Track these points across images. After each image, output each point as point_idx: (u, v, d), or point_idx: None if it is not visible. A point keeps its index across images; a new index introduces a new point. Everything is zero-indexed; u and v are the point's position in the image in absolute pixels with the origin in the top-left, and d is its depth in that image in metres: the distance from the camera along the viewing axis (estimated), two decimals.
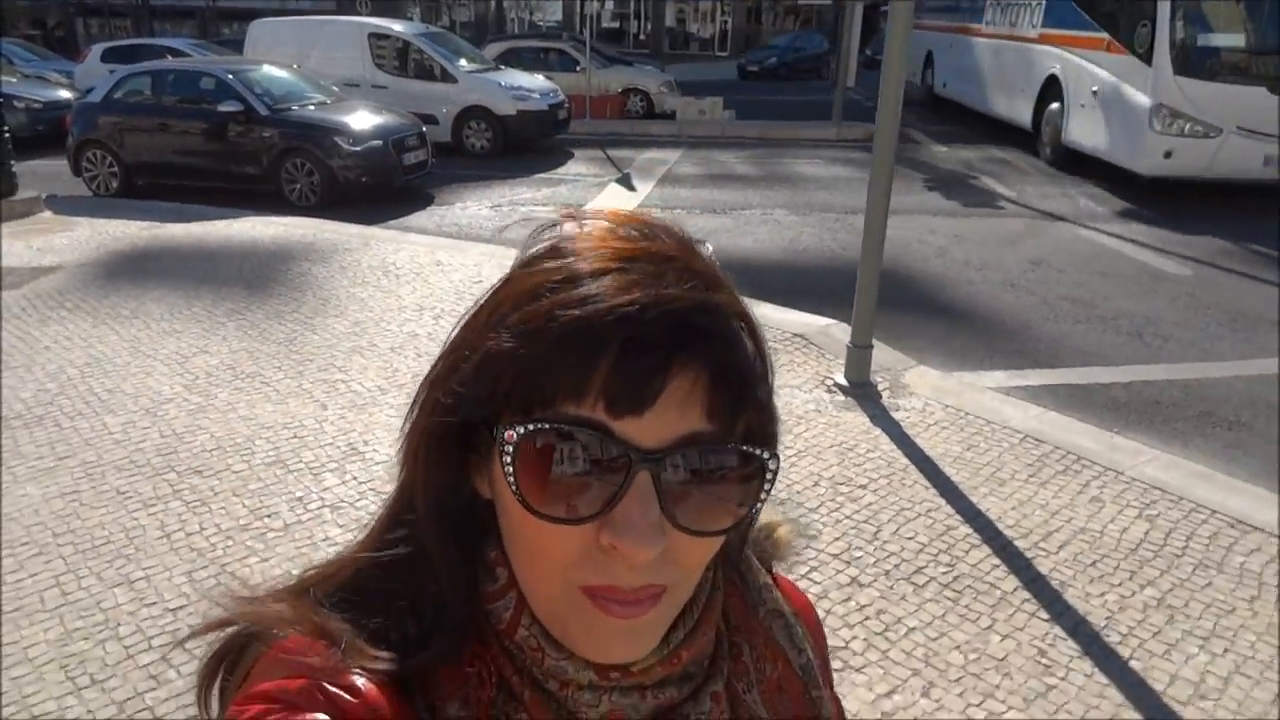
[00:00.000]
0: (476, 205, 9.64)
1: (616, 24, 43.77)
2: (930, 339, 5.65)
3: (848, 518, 3.50)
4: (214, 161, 9.78)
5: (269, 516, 3.45)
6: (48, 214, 8.60)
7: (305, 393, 4.54)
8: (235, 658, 0.56)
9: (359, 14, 19.38)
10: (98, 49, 16.93)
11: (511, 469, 0.48)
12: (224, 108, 9.53)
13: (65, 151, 10.21)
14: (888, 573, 3.16)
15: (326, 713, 0.49)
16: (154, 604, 2.95)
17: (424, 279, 6.39)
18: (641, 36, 41.89)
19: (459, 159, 12.15)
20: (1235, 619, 2.94)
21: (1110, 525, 3.46)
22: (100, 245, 7.33)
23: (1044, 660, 2.73)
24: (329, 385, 4.63)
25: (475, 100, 12.62)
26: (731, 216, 9.12)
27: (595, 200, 9.84)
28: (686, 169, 11.88)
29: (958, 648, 2.79)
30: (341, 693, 0.50)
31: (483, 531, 0.57)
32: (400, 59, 12.96)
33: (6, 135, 8.70)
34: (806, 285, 6.62)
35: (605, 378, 0.47)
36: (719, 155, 12.94)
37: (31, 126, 13.05)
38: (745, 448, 0.50)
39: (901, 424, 4.27)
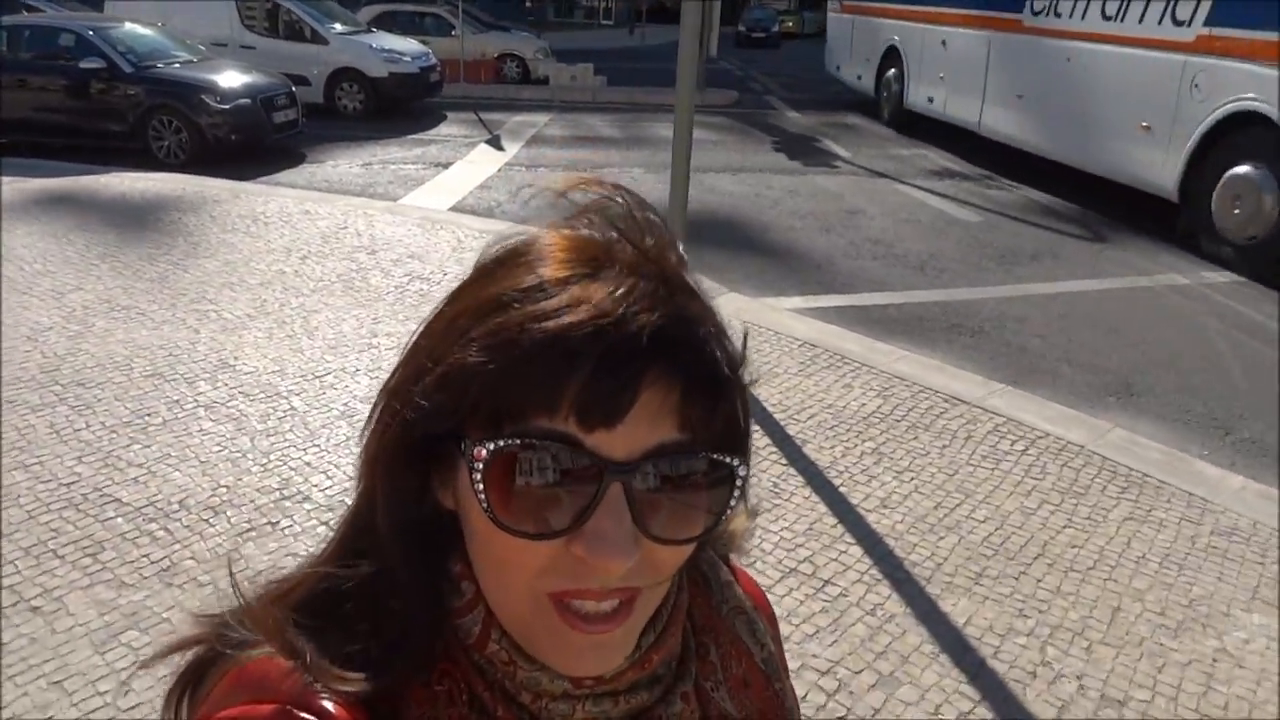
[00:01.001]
0: (348, 164, 10.02)
1: None
2: (748, 273, 6.51)
3: None
4: (77, 119, 9.81)
5: (149, 415, 3.98)
6: None
7: (179, 320, 5.02)
8: (198, 680, 0.55)
9: None
10: None
11: (482, 484, 0.47)
12: (86, 64, 9.58)
13: None
14: None
15: None
16: (49, 481, 3.47)
17: (291, 225, 6.86)
18: (528, 3, 41.86)
19: (332, 120, 12.40)
20: (927, 460, 3.87)
21: (852, 402, 4.37)
22: None
23: (776, 489, 3.58)
24: (201, 314, 5.12)
25: (346, 62, 12.87)
26: (593, 172, 9.79)
27: (465, 158, 10.37)
28: (555, 131, 12.49)
29: None
30: (310, 717, 0.49)
31: (446, 544, 0.55)
32: (269, 20, 13.06)
33: None
34: None
35: (578, 391, 0.46)
36: (587, 119, 13.59)
37: None
38: (716, 456, 0.50)
39: None
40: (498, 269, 0.51)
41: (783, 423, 4.13)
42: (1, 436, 3.74)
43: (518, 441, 0.47)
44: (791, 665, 2.67)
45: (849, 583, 3.05)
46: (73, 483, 3.46)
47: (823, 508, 3.47)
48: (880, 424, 4.17)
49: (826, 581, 3.04)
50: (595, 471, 0.47)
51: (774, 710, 0.65)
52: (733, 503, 0.51)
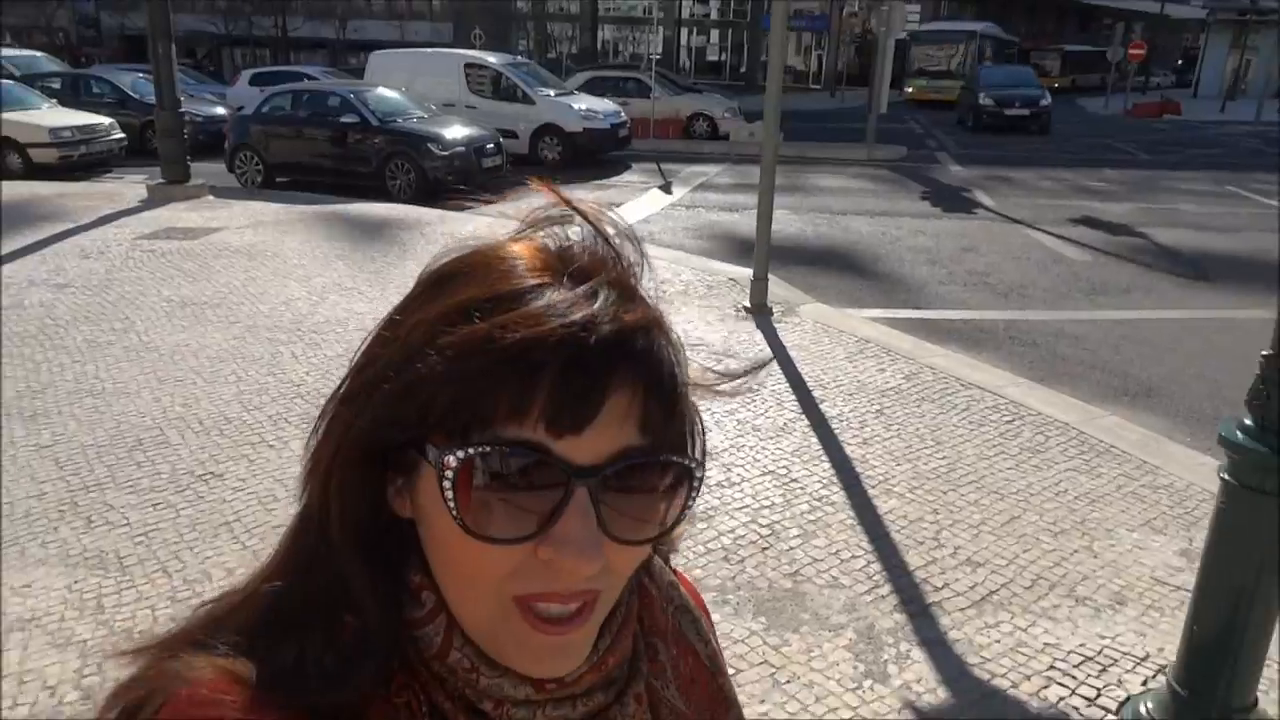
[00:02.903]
0: (536, 200, 11.82)
1: (717, 57, 46.32)
2: (841, 290, 7.52)
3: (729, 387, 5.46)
4: (336, 162, 12.36)
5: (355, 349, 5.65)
6: (210, 197, 11.25)
7: (384, 298, 6.76)
8: (134, 716, 0.50)
9: (473, 46, 22.35)
10: (247, 74, 20.20)
11: (452, 493, 0.47)
12: (345, 119, 12.13)
13: (224, 155, 13.03)
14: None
15: None
16: (287, 384, 5.15)
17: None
18: (743, 70, 44.20)
19: (534, 168, 14.49)
20: (920, 421, 4.78)
21: (879, 380, 5.33)
22: (250, 217, 9.86)
23: (785, 429, 4.64)
24: (397, 294, 6.84)
25: (549, 119, 15.01)
26: (741, 213, 11.09)
27: (636, 199, 11.97)
28: (722, 179, 13.92)
29: (739, 422, 4.73)
30: None
31: (402, 554, 0.54)
32: (489, 84, 15.47)
33: (186, 138, 11.45)
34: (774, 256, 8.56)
35: (546, 399, 0.47)
36: (755, 170, 14.90)
37: (194, 137, 16.09)
38: (675, 458, 0.51)
39: (777, 330, 6.20)
40: (458, 278, 0.51)
41: (811, 389, 5.17)
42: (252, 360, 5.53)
43: (487, 449, 0.47)
44: (742, 521, 3.75)
45: (809, 481, 4.09)
46: (300, 385, 5.14)
47: (814, 439, 4.51)
48: (894, 395, 5.12)
49: (793, 480, 4.10)
50: (563, 476, 0.47)
51: (720, 705, 0.68)
52: (690, 504, 0.53)
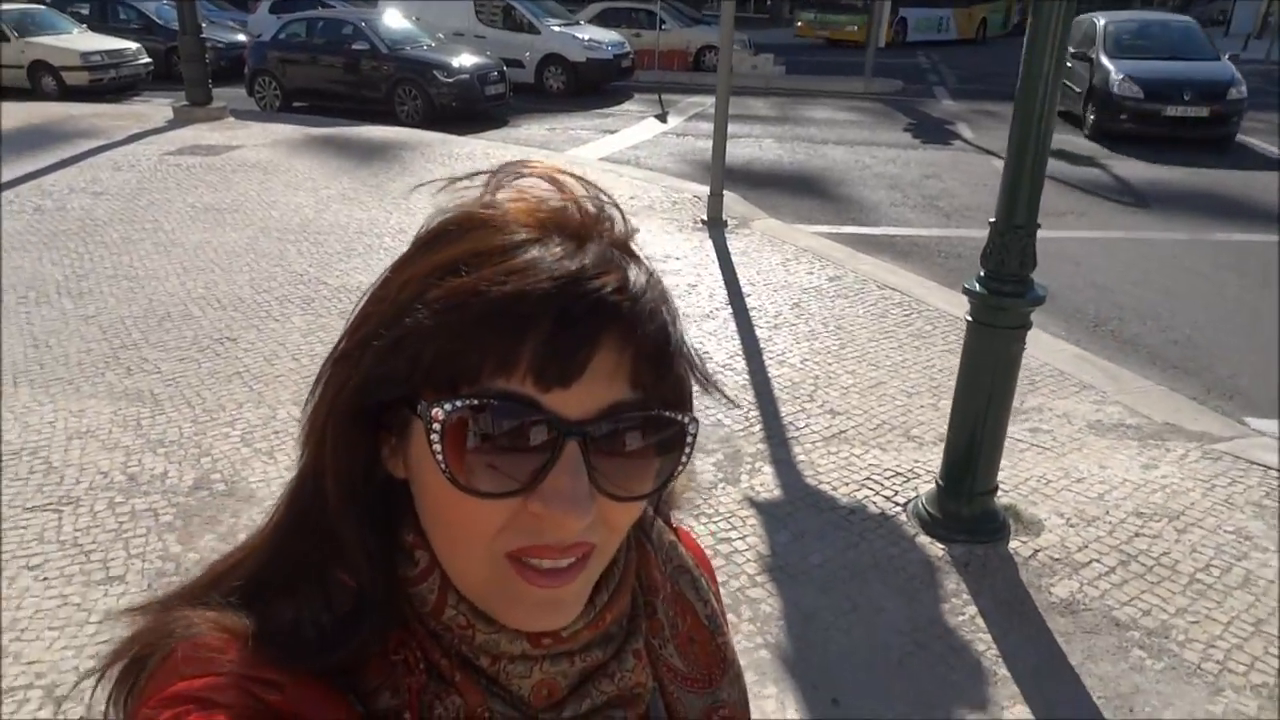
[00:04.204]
0: (537, 128, 12.57)
1: None
2: (796, 209, 8.23)
3: (670, 282, 6.24)
4: (348, 88, 13.05)
5: (353, 251, 6.48)
6: (231, 119, 12.02)
7: (381, 207, 7.60)
8: (139, 671, 0.53)
9: None
10: (265, 2, 20.67)
11: (440, 447, 0.48)
12: (356, 47, 12.79)
13: (243, 80, 13.76)
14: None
15: (246, 708, 0.48)
16: (295, 271, 6.01)
17: (473, 160, 9.39)
18: (768, 2, 43.78)
19: (538, 96, 15.11)
20: (830, 311, 5.56)
21: (804, 279, 6.10)
22: (266, 137, 10.65)
23: (710, 315, 5.44)
24: (394, 204, 7.68)
25: (554, 49, 15.53)
26: (730, 140, 11.69)
27: (630, 127, 12.60)
28: None
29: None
30: (262, 688, 0.49)
31: (398, 514, 0.55)
32: (497, 14, 15.99)
33: (208, 63, 12.19)
34: (743, 179, 9.26)
35: (533, 352, 0.47)
36: (752, 101, 15.43)
37: (216, 62, 16.78)
38: (668, 413, 0.51)
39: (727, 239, 6.95)
40: (448, 236, 0.51)
41: (741, 286, 5.96)
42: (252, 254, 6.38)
43: (475, 402, 0.47)
44: None
45: (718, 354, 4.91)
46: (303, 275, 6.00)
47: (732, 325, 5.32)
48: (813, 293, 5.89)
49: (705, 353, 4.91)
50: (552, 430, 0.47)
51: (718, 664, 0.68)
52: (684, 460, 0.53)
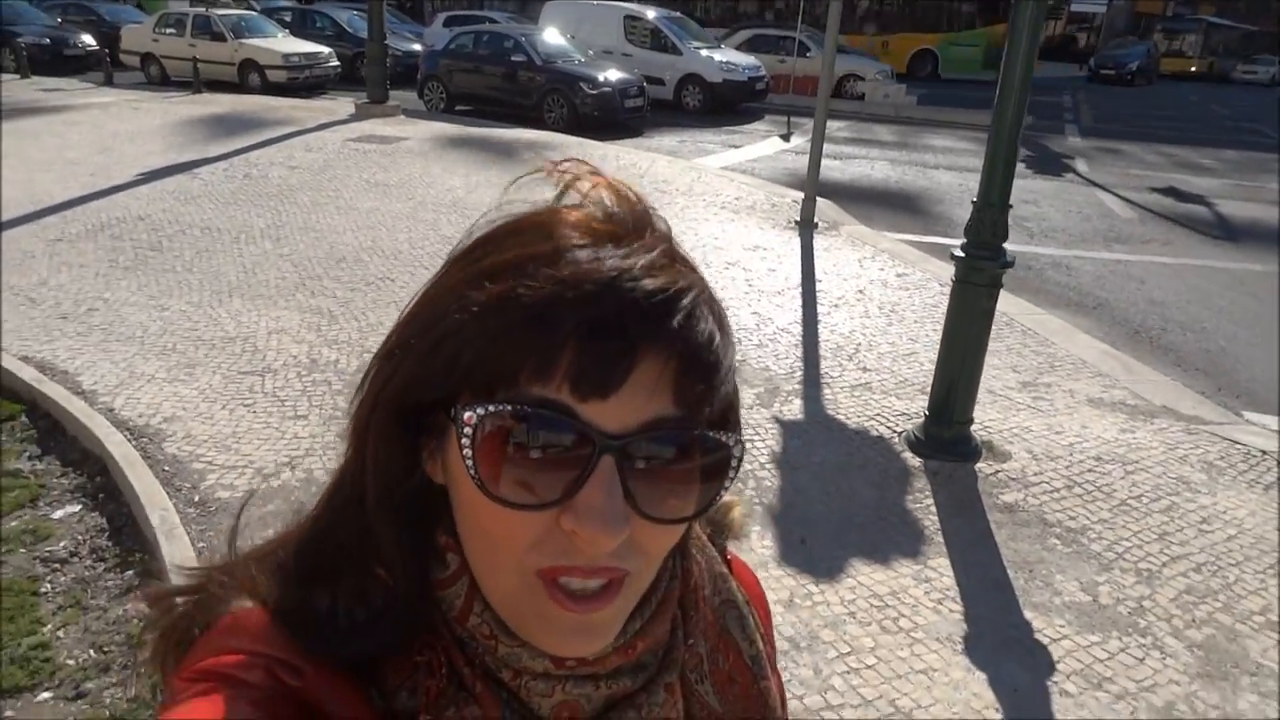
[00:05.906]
0: (668, 139, 13.71)
1: None
2: (890, 222, 8.97)
3: (754, 265, 7.17)
4: (505, 95, 14.59)
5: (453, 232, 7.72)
6: (402, 116, 13.73)
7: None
8: (185, 633, 0.55)
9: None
10: (442, 16, 22.84)
11: (470, 452, 0.47)
12: (515, 58, 14.32)
13: (416, 84, 15.55)
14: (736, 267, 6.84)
15: (268, 689, 0.49)
16: (396, 243, 7.28)
17: (605, 162, 10.58)
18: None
19: (675, 112, 16.29)
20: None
21: (875, 273, 6.89)
22: (431, 133, 12.22)
23: (779, 291, 6.34)
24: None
25: (693, 69, 16.70)
26: (844, 160, 12.51)
27: (755, 144, 13.56)
28: (842, 133, 15.22)
29: (749, 284, 6.45)
30: (286, 671, 0.50)
31: (434, 517, 0.55)
32: (645, 36, 17.31)
33: (387, 67, 13.97)
34: (846, 193, 10.06)
35: (571, 359, 0.46)
36: (877, 128, 16.11)
37: (393, 68, 18.89)
38: (711, 433, 0.50)
39: (814, 238, 7.81)
40: (493, 242, 0.52)
41: (816, 275, 6.81)
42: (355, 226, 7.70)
43: (508, 408, 0.46)
44: None
45: (779, 318, 5.80)
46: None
47: (798, 300, 6.19)
48: (878, 284, 6.68)
49: (768, 319, 5.81)
50: (587, 443, 0.46)
51: (757, 708, 0.65)
52: (727, 484, 0.51)
